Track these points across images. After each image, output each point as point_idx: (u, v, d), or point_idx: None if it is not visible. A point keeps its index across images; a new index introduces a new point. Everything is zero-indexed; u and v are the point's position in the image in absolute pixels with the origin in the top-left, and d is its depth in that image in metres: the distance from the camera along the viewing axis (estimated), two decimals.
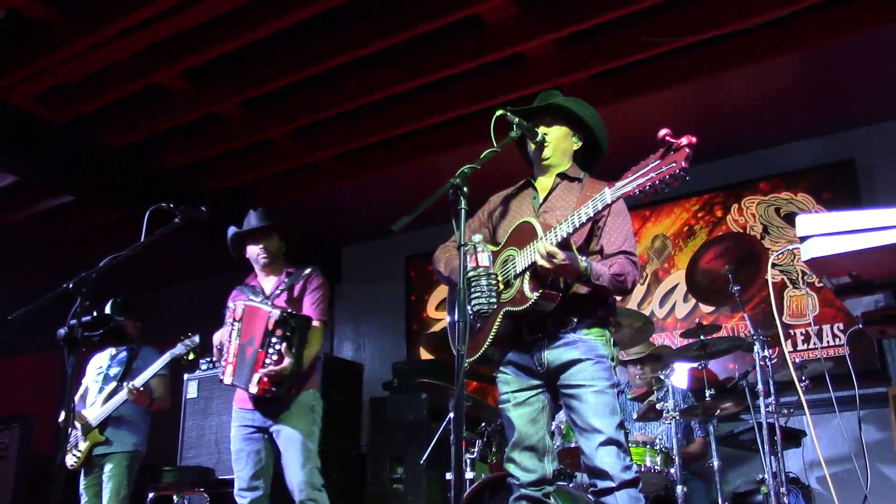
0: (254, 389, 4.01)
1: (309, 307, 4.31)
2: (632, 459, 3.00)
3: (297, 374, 4.07)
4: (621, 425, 2.97)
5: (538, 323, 3.05)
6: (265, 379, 3.98)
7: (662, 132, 2.55)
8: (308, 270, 4.42)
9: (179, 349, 5.15)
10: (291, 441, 4.05)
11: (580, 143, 3.31)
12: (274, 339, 4.02)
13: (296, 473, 3.99)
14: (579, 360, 2.99)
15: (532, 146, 3.25)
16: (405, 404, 6.56)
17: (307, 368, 4.20)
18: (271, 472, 4.15)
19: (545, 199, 3.23)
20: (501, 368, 3.19)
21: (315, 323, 4.27)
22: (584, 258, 2.91)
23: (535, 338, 3.08)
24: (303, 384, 4.19)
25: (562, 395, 3.06)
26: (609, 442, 2.89)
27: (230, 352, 4.15)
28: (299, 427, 4.07)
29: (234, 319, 4.19)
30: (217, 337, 4.32)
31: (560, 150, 3.26)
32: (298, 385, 4.15)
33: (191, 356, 5.18)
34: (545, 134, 3.22)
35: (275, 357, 3.99)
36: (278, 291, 4.33)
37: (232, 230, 4.49)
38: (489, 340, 3.05)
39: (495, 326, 3.02)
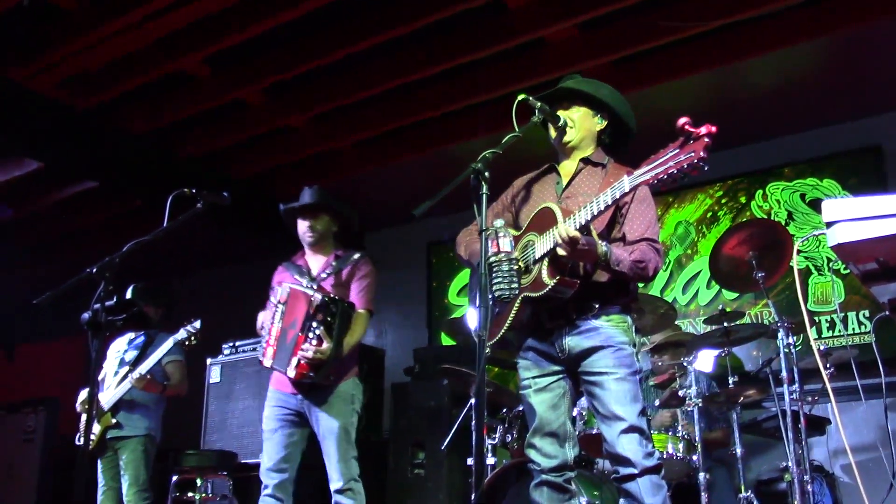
0: (291, 373, 3.99)
1: (356, 294, 4.27)
2: (654, 446, 2.99)
3: (336, 361, 4.04)
4: (643, 412, 2.96)
5: (558, 309, 3.04)
6: (303, 363, 3.96)
7: (682, 121, 2.51)
8: (357, 255, 4.39)
9: (181, 334, 5.24)
10: (331, 431, 4.05)
11: (604, 123, 3.27)
12: (314, 324, 3.99)
13: (334, 463, 4.02)
14: (600, 348, 2.98)
15: (554, 132, 3.23)
16: (427, 390, 6.57)
17: (348, 356, 4.17)
18: (300, 458, 4.15)
19: (568, 184, 3.21)
20: (522, 354, 3.19)
21: (360, 310, 4.24)
22: (603, 243, 2.89)
23: (555, 324, 3.07)
24: (343, 372, 4.17)
25: (583, 383, 3.05)
26: (631, 429, 2.89)
27: (272, 334, 4.14)
28: (339, 417, 4.07)
29: (279, 302, 4.16)
30: (261, 317, 4.30)
31: (583, 132, 3.23)
32: (339, 372, 4.13)
33: (192, 340, 5.24)
34: (565, 118, 3.20)
35: (314, 342, 3.96)
36: (325, 274, 4.30)
37: (283, 205, 4.46)
38: (507, 325, 3.04)
39: (514, 311, 3.01)
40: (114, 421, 5.25)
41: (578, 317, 3.03)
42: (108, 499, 5.22)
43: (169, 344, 5.24)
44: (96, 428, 5.25)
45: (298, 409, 4.12)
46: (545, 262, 2.93)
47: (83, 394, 5.25)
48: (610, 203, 2.76)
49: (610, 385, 2.94)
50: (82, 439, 5.24)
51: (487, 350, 2.70)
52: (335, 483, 4.01)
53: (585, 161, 3.22)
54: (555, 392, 3.09)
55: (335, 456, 4.02)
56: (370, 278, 4.35)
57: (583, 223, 2.81)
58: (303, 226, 4.39)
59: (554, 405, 3.08)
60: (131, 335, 5.62)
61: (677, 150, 2.53)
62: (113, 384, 5.33)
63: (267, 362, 4.13)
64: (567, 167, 3.27)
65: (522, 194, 3.34)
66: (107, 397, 5.29)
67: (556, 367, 3.10)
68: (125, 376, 5.28)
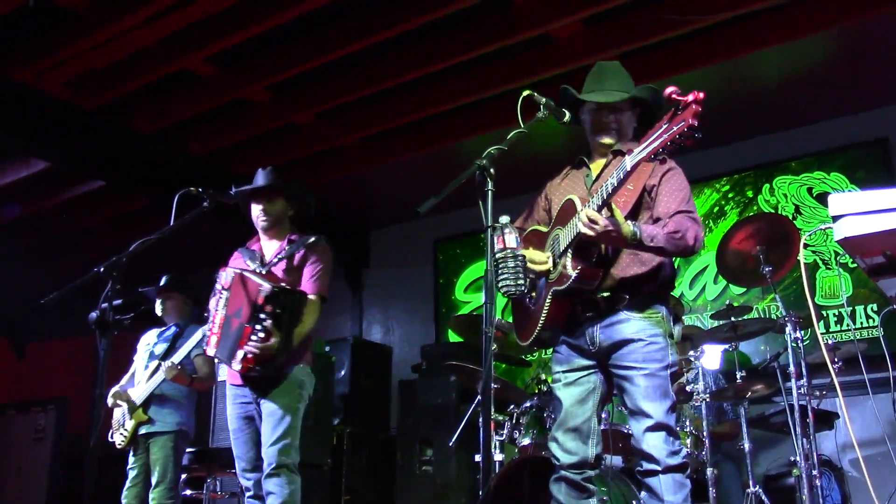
0: (237, 367, 3.75)
1: (308, 279, 4.02)
2: (681, 444, 2.97)
3: (284, 353, 3.79)
4: (672, 408, 2.93)
5: (591, 302, 3.03)
6: (250, 356, 3.69)
7: (668, 90, 2.51)
8: (312, 239, 4.12)
9: None
10: (270, 414, 3.81)
11: (637, 110, 3.26)
12: (262, 315, 3.69)
13: (266, 447, 3.77)
14: (631, 341, 2.96)
15: (590, 131, 3.22)
16: (434, 387, 6.58)
17: (298, 345, 3.94)
18: None
19: (597, 177, 3.19)
20: (556, 348, 3.18)
21: (311, 297, 3.98)
22: (630, 222, 2.84)
23: (587, 317, 3.05)
24: (293, 360, 3.93)
25: (613, 376, 3.04)
26: (658, 427, 2.88)
27: (216, 322, 3.90)
28: (281, 401, 3.83)
29: (223, 288, 3.91)
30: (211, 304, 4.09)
31: (627, 132, 3.22)
32: (288, 361, 3.89)
33: None
34: (614, 122, 3.18)
35: (261, 335, 3.68)
36: (276, 259, 4.07)
37: (235, 189, 4.19)
38: (541, 323, 3.03)
39: (545, 308, 3.00)
40: (146, 417, 5.20)
41: (609, 309, 3.01)
42: (132, 495, 5.16)
43: (199, 335, 5.11)
44: (129, 424, 5.20)
45: (251, 399, 3.93)
46: (569, 254, 2.92)
47: (114, 389, 5.26)
48: (616, 184, 2.75)
49: (638, 381, 2.92)
50: (117, 437, 5.26)
51: (494, 346, 2.70)
52: (266, 467, 3.75)
53: (616, 153, 3.20)
54: (584, 387, 3.08)
55: (269, 439, 3.77)
56: (324, 262, 4.09)
57: (594, 209, 2.80)
58: (256, 209, 4.17)
59: (581, 400, 3.06)
60: (162, 328, 5.59)
61: (668, 123, 2.53)
62: (143, 379, 5.29)
63: (210, 351, 3.93)
64: (598, 161, 3.26)
65: (554, 192, 3.34)
66: (138, 392, 5.24)
67: (587, 362, 3.08)
68: (155, 370, 5.23)
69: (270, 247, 4.21)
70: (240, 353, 3.72)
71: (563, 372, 3.12)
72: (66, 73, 5.85)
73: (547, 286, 3.00)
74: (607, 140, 3.20)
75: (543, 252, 3.10)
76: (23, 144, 6.50)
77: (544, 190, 3.42)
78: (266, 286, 3.72)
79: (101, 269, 3.24)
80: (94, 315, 3.16)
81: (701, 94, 2.46)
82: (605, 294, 3.01)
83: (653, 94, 3.18)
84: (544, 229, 3.20)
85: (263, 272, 3.98)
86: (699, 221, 3.01)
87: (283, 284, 3.87)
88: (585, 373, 3.08)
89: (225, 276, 3.94)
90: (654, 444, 2.87)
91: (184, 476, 5.72)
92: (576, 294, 2.97)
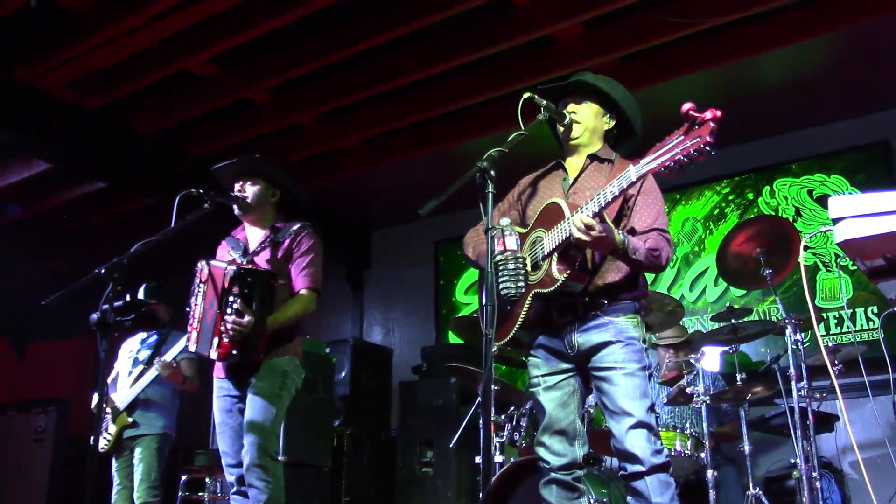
0: (214, 355, 3.62)
1: (297, 274, 3.87)
2: (662, 443, 2.98)
3: (260, 336, 3.62)
4: (652, 408, 2.95)
5: (568, 306, 3.04)
6: (225, 340, 3.56)
7: (686, 107, 2.51)
8: (297, 227, 3.96)
9: None
10: (252, 403, 3.66)
11: (612, 123, 3.27)
12: (231, 298, 3.58)
13: (247, 436, 3.62)
14: (609, 343, 2.97)
15: (561, 128, 3.23)
16: (434, 388, 6.59)
17: (281, 332, 3.77)
18: None
19: (575, 180, 3.20)
20: (532, 352, 3.19)
21: (303, 291, 3.84)
22: (620, 231, 2.88)
23: (565, 321, 3.06)
24: (276, 348, 3.77)
25: (592, 378, 3.05)
26: (639, 425, 2.88)
27: (195, 317, 3.78)
28: (263, 389, 3.68)
29: (201, 281, 3.78)
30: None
31: (590, 129, 3.22)
32: (269, 348, 3.72)
33: None
34: (573, 113, 3.20)
35: (233, 316, 3.56)
36: (259, 248, 3.94)
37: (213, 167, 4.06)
38: (519, 324, 3.03)
39: (524, 309, 3.01)
40: (130, 420, 5.26)
41: (587, 313, 3.03)
42: (122, 498, 5.25)
43: (185, 340, 5.22)
44: (112, 428, 5.26)
45: (236, 392, 3.80)
46: (554, 258, 2.92)
47: (97, 396, 5.28)
48: (617, 193, 2.75)
49: (619, 380, 2.94)
50: (101, 441, 5.28)
51: (495, 348, 2.70)
52: (247, 458, 3.59)
53: (592, 157, 3.22)
54: (564, 390, 3.09)
55: (248, 427, 3.62)
56: (313, 252, 3.92)
57: (590, 215, 2.80)
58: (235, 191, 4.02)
59: (563, 403, 3.07)
60: (143, 335, 5.64)
61: (682, 137, 2.52)
62: (127, 384, 5.34)
63: (192, 347, 3.82)
64: (574, 164, 3.26)
65: (529, 191, 3.33)
66: (121, 397, 5.31)
67: (566, 365, 3.10)
68: (139, 375, 5.28)
69: (255, 235, 4.05)
70: (215, 341, 3.61)
71: (542, 376, 3.13)
72: (68, 74, 5.86)
73: (528, 288, 3.00)
74: (572, 134, 3.20)
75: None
76: (24, 145, 6.50)
77: (516, 190, 3.41)
78: (230, 268, 3.63)
79: (102, 271, 3.25)
80: (94, 316, 3.17)
81: (718, 112, 2.46)
82: (585, 298, 3.03)
83: (608, 85, 3.21)
84: (521, 230, 3.18)
85: (245, 261, 3.86)
86: (671, 241, 3.07)
87: (249, 266, 3.71)
88: (564, 376, 3.10)
89: (203, 270, 3.80)
90: (638, 443, 2.87)
91: (184, 477, 5.74)
92: (558, 297, 2.98)
